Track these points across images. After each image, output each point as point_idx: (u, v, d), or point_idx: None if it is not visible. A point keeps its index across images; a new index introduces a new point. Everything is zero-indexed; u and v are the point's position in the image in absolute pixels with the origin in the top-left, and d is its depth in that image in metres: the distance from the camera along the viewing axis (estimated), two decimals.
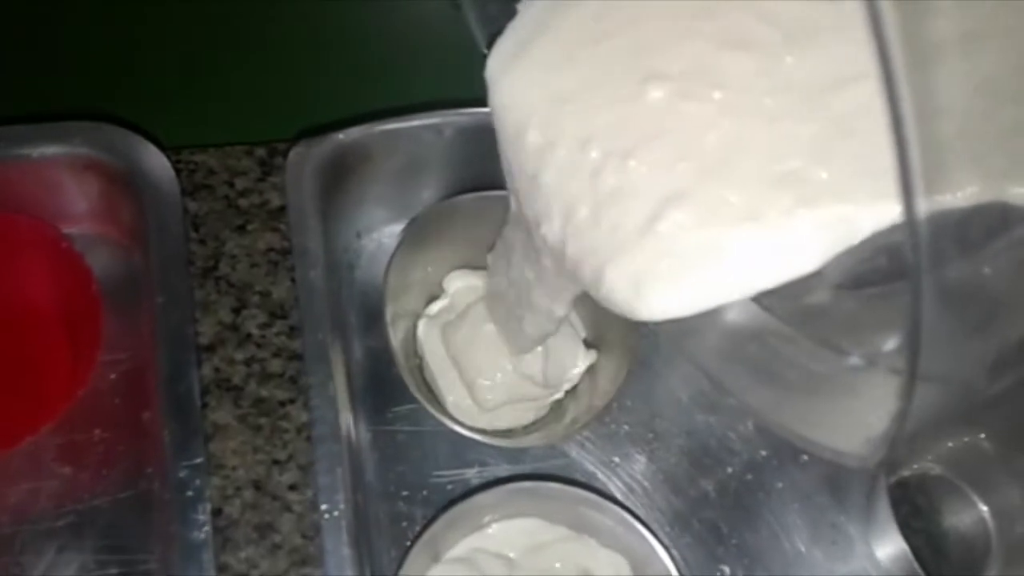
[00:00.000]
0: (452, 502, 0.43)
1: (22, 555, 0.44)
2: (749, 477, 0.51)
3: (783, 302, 0.31)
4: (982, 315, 0.26)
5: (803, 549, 0.49)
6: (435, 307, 0.50)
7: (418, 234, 0.48)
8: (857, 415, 0.29)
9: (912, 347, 0.21)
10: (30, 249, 0.46)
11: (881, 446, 0.26)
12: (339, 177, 0.49)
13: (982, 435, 0.49)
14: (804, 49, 0.31)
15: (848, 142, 0.32)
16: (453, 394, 0.48)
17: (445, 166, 0.51)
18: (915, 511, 0.51)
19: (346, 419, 0.44)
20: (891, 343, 0.28)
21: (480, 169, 0.51)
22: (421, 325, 0.50)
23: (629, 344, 0.47)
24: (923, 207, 0.20)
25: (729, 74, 0.31)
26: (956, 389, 0.25)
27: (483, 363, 0.45)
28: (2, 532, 0.44)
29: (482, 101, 0.50)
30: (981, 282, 0.25)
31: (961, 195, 0.23)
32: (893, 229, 0.29)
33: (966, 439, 0.50)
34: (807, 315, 0.31)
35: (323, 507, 0.41)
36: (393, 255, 0.47)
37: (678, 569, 0.42)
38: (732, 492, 0.50)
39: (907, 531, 0.50)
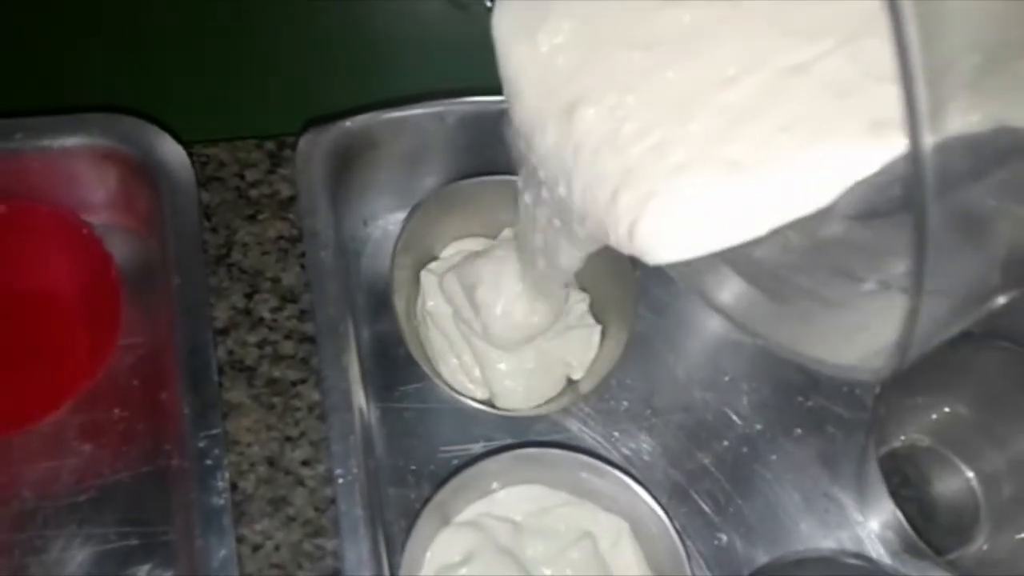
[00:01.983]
0: (459, 468, 0.44)
1: (45, 529, 0.46)
2: (745, 450, 0.53)
3: (797, 236, 0.32)
4: (988, 233, 0.27)
5: (797, 518, 0.51)
6: (435, 264, 0.52)
7: (422, 218, 0.50)
8: (870, 331, 0.30)
9: (919, 258, 0.22)
10: (52, 235, 0.48)
11: (893, 357, 0.27)
12: (346, 164, 0.51)
13: (962, 405, 0.51)
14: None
15: (856, 81, 0.33)
16: (451, 358, 0.49)
17: (448, 153, 0.53)
18: (905, 481, 0.53)
19: (357, 390, 0.45)
20: (904, 266, 0.29)
21: (481, 155, 0.54)
22: (423, 276, 0.52)
23: (627, 318, 0.49)
24: (928, 135, 0.22)
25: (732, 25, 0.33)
26: (966, 301, 0.26)
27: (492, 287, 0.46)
28: (25, 507, 0.46)
29: (482, 90, 0.53)
30: (988, 203, 0.27)
31: (967, 121, 0.24)
32: (901, 161, 0.30)
33: (947, 409, 0.51)
34: (821, 247, 0.32)
35: (337, 471, 0.43)
36: (398, 238, 0.49)
37: (677, 532, 0.44)
38: (729, 464, 0.52)
39: (898, 500, 0.51)
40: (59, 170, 0.49)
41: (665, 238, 0.30)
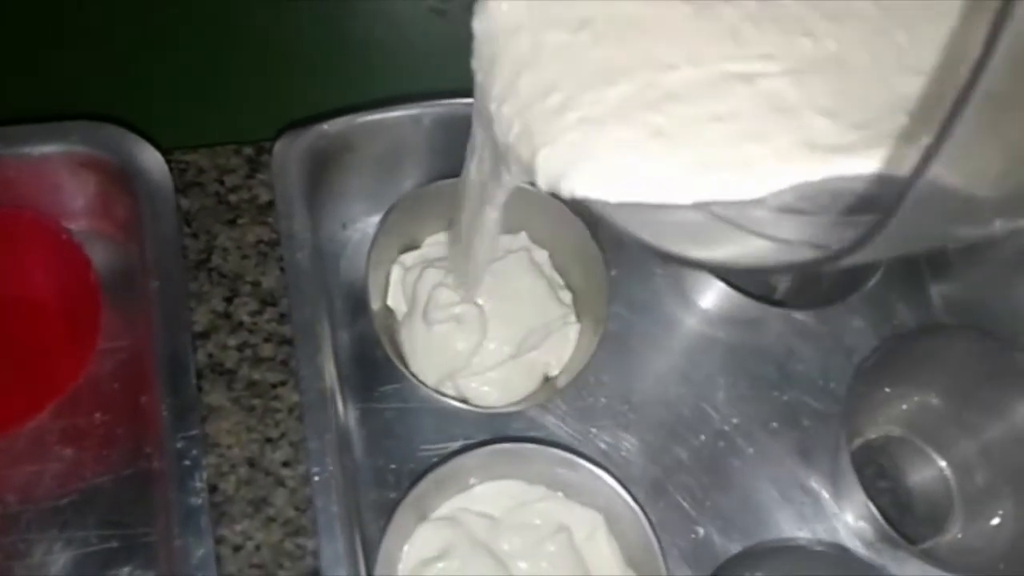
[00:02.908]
0: (436, 464, 0.45)
1: (28, 533, 0.46)
2: (721, 444, 0.53)
3: (722, 209, 0.34)
4: None
5: (774, 510, 0.52)
6: (409, 257, 0.53)
7: (398, 218, 0.51)
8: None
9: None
10: (31, 241, 0.48)
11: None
12: (323, 167, 0.52)
13: (934, 395, 0.52)
14: None
15: (796, 105, 0.36)
16: (416, 345, 0.50)
17: (425, 155, 0.54)
18: (880, 472, 0.54)
19: (333, 388, 0.46)
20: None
21: (458, 157, 0.54)
22: (393, 270, 0.52)
23: (600, 314, 0.50)
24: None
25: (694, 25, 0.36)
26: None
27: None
28: (8, 511, 0.46)
29: (458, 92, 0.54)
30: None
31: None
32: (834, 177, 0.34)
33: (919, 399, 0.52)
34: (746, 219, 0.34)
35: (314, 469, 0.44)
36: (374, 239, 0.50)
37: (649, 523, 0.45)
38: (705, 459, 0.53)
39: (873, 491, 0.52)
40: (39, 177, 0.49)
41: (569, 172, 0.33)
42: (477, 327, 0.48)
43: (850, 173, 0.34)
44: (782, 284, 0.58)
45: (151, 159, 0.50)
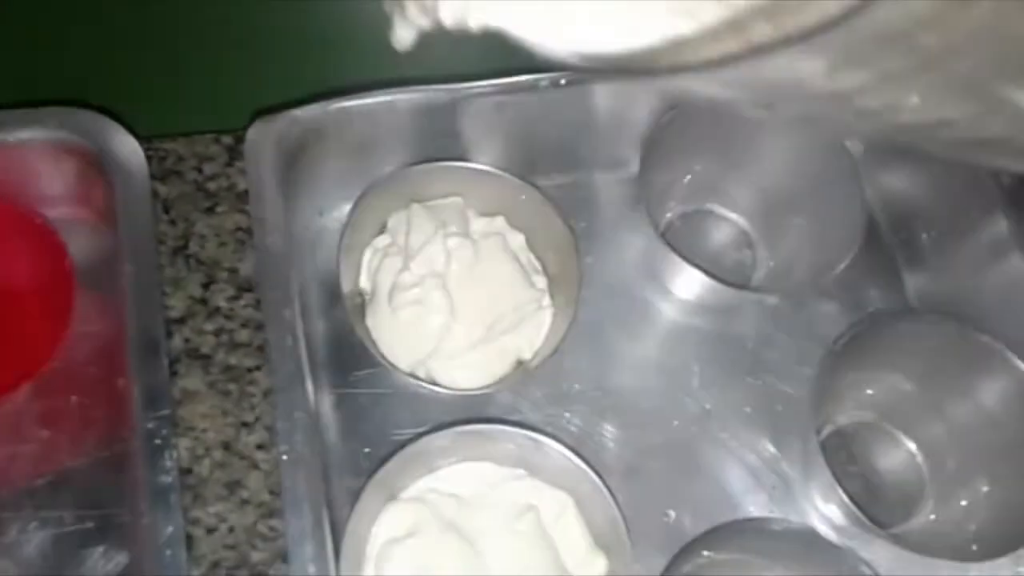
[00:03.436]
0: (405, 443, 0.45)
1: (2, 513, 0.47)
2: (694, 429, 0.54)
3: None
4: None
5: (746, 495, 0.52)
6: (381, 240, 0.53)
7: (370, 203, 0.51)
8: None
9: None
10: (6, 226, 0.49)
11: None
12: (298, 154, 0.52)
13: (903, 379, 0.52)
14: None
15: None
16: (383, 330, 0.50)
17: (400, 141, 0.54)
18: (851, 457, 0.54)
19: (303, 370, 0.46)
20: None
21: (433, 143, 0.55)
22: (366, 254, 0.53)
23: (572, 297, 0.50)
24: None
25: None
26: None
27: None
28: None
29: (431, 79, 0.54)
30: None
31: None
32: None
33: (888, 383, 0.52)
34: None
35: (282, 448, 0.44)
36: (346, 223, 0.50)
37: (617, 505, 0.45)
38: (678, 444, 0.53)
39: (844, 476, 0.53)
40: (15, 163, 0.50)
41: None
42: (444, 310, 0.49)
43: None
44: (757, 272, 0.58)
45: (127, 145, 0.51)
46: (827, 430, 0.53)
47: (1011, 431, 0.48)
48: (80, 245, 0.51)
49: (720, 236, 0.59)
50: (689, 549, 0.44)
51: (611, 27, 0.31)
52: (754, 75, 0.30)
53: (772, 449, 0.53)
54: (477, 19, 0.31)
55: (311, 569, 0.41)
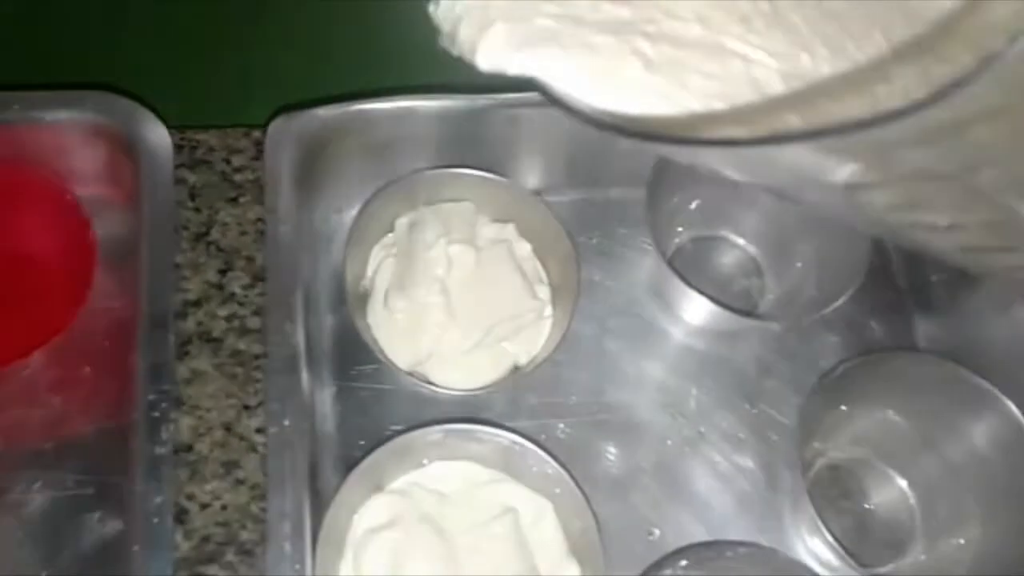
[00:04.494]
0: (393, 436, 0.46)
1: (8, 471, 0.49)
2: (687, 451, 0.54)
3: None
4: None
5: (733, 521, 0.52)
6: (389, 239, 0.55)
7: (381, 202, 0.53)
8: None
9: None
10: (38, 199, 0.51)
11: None
12: (318, 151, 0.54)
13: (893, 415, 0.52)
14: None
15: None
16: (380, 330, 0.52)
17: (418, 147, 0.56)
18: (844, 492, 0.54)
19: (300, 355, 0.48)
20: None
21: (449, 151, 0.56)
22: (373, 252, 0.54)
23: (569, 307, 0.51)
24: None
25: None
26: None
27: None
28: None
29: (452, 88, 0.56)
30: None
31: None
32: None
33: (877, 419, 0.52)
34: None
35: (271, 430, 0.45)
36: (355, 221, 0.52)
37: (594, 516, 0.45)
38: (669, 464, 0.54)
39: (835, 512, 0.53)
40: (52, 140, 0.52)
41: (530, 50, 0.32)
42: (441, 313, 0.50)
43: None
44: (765, 299, 0.59)
45: (156, 132, 0.53)
46: (820, 463, 0.53)
47: (1004, 474, 0.48)
48: (105, 223, 0.53)
49: (729, 262, 0.60)
50: (661, 563, 0.45)
51: (646, 94, 0.33)
52: (768, 161, 0.32)
53: (763, 477, 0.53)
54: (515, 68, 0.33)
55: (287, 547, 0.42)
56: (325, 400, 0.53)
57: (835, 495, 0.54)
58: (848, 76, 0.38)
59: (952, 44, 0.36)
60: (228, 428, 0.51)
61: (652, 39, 0.34)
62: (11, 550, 0.47)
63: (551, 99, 0.33)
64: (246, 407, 0.52)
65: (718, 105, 0.34)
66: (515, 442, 0.46)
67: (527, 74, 0.33)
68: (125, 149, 0.53)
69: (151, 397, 0.46)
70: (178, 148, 0.57)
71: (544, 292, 0.53)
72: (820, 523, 0.47)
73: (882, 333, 0.57)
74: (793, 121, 0.34)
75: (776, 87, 0.36)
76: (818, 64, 0.38)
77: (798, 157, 0.31)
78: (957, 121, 0.28)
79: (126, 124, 0.52)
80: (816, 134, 0.28)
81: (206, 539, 0.48)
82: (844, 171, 0.31)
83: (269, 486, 0.45)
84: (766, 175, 0.36)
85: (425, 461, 0.47)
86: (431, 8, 0.34)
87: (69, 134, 0.53)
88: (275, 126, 0.53)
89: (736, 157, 0.33)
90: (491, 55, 0.33)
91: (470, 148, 0.56)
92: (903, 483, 0.53)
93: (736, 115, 0.35)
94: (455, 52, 0.33)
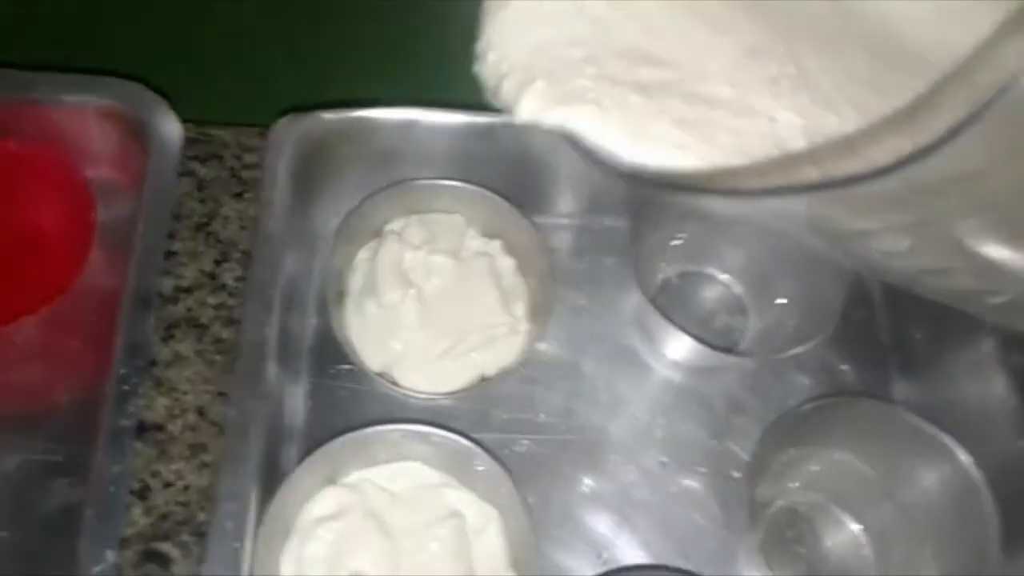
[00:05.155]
0: (349, 431, 0.48)
1: None
2: (646, 480, 0.54)
3: None
4: None
5: (685, 553, 0.52)
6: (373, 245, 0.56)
7: (369, 208, 0.55)
8: None
9: None
10: (48, 174, 0.54)
11: None
12: (320, 153, 0.56)
13: (851, 457, 0.52)
14: None
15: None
16: (353, 331, 0.53)
17: (418, 157, 0.57)
18: (798, 536, 0.53)
19: (270, 342, 0.49)
20: None
21: (449, 163, 0.58)
22: (359, 256, 0.56)
23: (543, 321, 0.52)
24: None
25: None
26: None
27: None
28: None
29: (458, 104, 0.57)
30: None
31: None
32: None
33: (828, 463, 0.52)
34: None
35: (231, 413, 0.47)
36: (342, 223, 0.53)
37: (534, 533, 0.46)
38: (628, 491, 0.54)
39: (791, 557, 0.52)
40: (69, 121, 0.55)
41: (569, 106, 0.34)
42: (413, 318, 0.51)
43: None
44: (746, 336, 0.59)
45: (169, 123, 0.55)
46: (777, 504, 0.53)
47: (957, 524, 0.48)
48: (110, 205, 0.55)
49: (712, 298, 0.60)
50: None
51: (672, 147, 0.35)
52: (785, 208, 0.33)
53: (719, 513, 0.53)
54: (552, 120, 0.34)
55: (228, 524, 0.43)
56: (297, 394, 0.54)
57: (789, 537, 0.53)
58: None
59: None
60: (201, 412, 0.53)
61: (684, 99, 0.36)
62: None
63: (581, 152, 0.35)
64: (220, 394, 0.53)
65: (740, 160, 0.36)
66: (468, 448, 0.47)
67: (562, 126, 0.34)
68: (137, 136, 0.55)
69: (123, 371, 0.47)
70: (193, 141, 0.59)
71: (520, 308, 0.54)
72: (766, 566, 0.47)
73: (857, 381, 0.57)
74: (811, 173, 0.36)
75: (799, 144, 0.37)
76: (844, 124, 0.39)
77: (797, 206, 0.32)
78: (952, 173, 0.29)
79: (141, 112, 0.55)
80: (822, 186, 0.30)
81: (164, 516, 0.50)
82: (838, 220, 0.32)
83: (221, 464, 0.46)
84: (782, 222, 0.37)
85: (379, 459, 0.48)
86: (476, 67, 0.37)
87: (87, 117, 0.55)
88: (279, 125, 0.55)
89: (745, 206, 0.34)
90: (530, 108, 0.35)
91: (469, 163, 0.57)
92: (857, 528, 0.52)
93: (757, 168, 0.36)
94: (496, 104, 0.36)
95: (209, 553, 0.44)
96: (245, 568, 0.43)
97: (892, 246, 0.34)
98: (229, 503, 0.44)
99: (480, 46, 0.37)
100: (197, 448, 0.52)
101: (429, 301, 0.52)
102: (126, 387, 0.47)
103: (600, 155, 0.35)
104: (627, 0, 0.39)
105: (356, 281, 0.55)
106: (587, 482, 0.54)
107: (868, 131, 0.38)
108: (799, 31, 0.42)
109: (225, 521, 0.44)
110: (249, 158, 0.61)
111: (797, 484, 0.53)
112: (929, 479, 0.48)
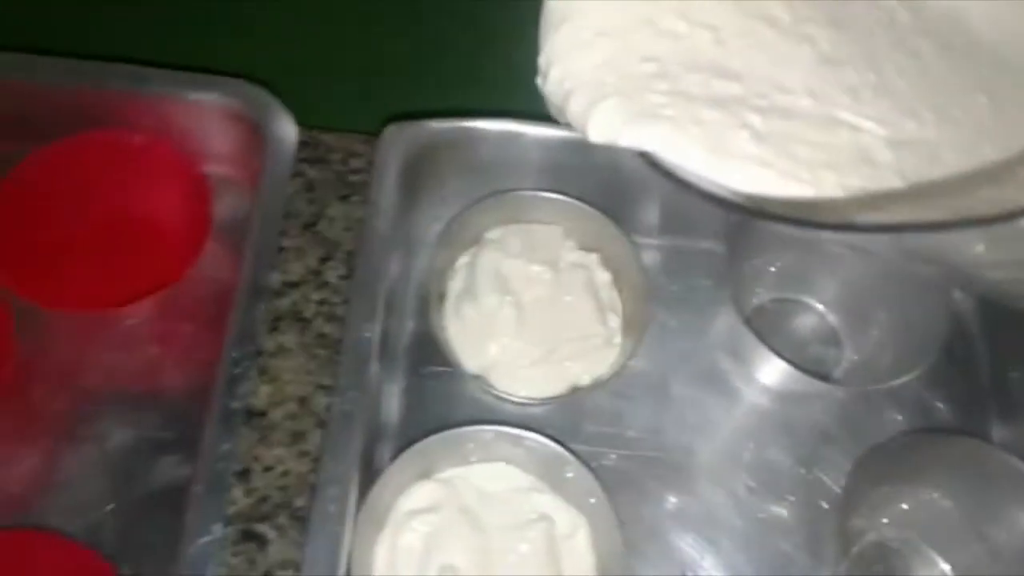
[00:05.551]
0: (445, 429, 0.49)
1: (99, 407, 0.53)
2: (732, 505, 0.54)
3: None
4: None
5: None
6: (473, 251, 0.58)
7: (472, 215, 0.56)
8: None
9: None
10: (169, 167, 0.57)
11: None
12: (424, 161, 0.58)
13: (940, 496, 0.51)
14: None
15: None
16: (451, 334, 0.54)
17: (522, 169, 0.59)
18: (888, 573, 0.53)
19: (374, 339, 0.51)
20: None
21: (552, 177, 0.59)
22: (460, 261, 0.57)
23: (636, 339, 0.53)
24: None
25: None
26: None
27: None
28: (90, 386, 0.54)
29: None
30: None
31: None
32: None
33: (919, 500, 0.51)
34: None
35: (337, 400, 0.48)
36: (445, 228, 0.55)
37: (622, 541, 0.47)
38: (713, 513, 0.54)
39: None
40: (191, 118, 0.58)
41: (641, 124, 0.33)
42: (510, 325, 0.52)
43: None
44: (840, 366, 0.59)
45: (286, 126, 0.58)
46: (866, 539, 0.53)
47: None
48: (224, 200, 0.58)
49: (806, 326, 0.60)
50: None
51: (755, 166, 0.34)
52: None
53: (805, 542, 0.53)
54: (626, 140, 0.34)
55: (330, 508, 0.45)
56: (393, 391, 0.56)
57: (878, 572, 0.53)
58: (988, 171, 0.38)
59: None
60: (302, 402, 0.55)
61: (762, 112, 0.35)
62: (88, 479, 0.52)
63: (661, 172, 0.34)
64: (321, 386, 0.55)
65: (826, 175, 0.35)
66: (560, 454, 0.48)
67: (638, 146, 0.33)
68: (255, 136, 0.58)
69: (235, 355, 0.49)
70: (303, 144, 0.61)
71: (615, 321, 0.55)
72: None
73: (952, 420, 0.56)
74: (900, 212, 0.34)
75: (883, 154, 0.37)
76: (924, 128, 0.39)
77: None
78: None
79: (260, 114, 0.57)
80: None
81: (264, 499, 0.51)
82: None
83: (324, 452, 0.48)
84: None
85: (473, 458, 0.49)
86: (538, 81, 0.35)
87: (208, 114, 0.58)
88: (388, 132, 0.57)
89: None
90: (603, 128, 0.34)
91: (569, 177, 0.59)
92: (947, 567, 0.51)
93: (877, 201, 0.35)
94: (563, 122, 0.34)
95: (311, 535, 0.45)
96: (344, 552, 0.45)
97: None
98: (331, 488, 0.46)
99: (541, 60, 0.36)
100: (297, 436, 0.54)
101: (526, 308, 0.53)
102: (237, 371, 0.49)
103: (683, 176, 0.33)
104: (697, 10, 0.37)
105: (455, 285, 0.56)
106: (673, 500, 0.54)
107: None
108: (875, 36, 0.40)
109: (327, 505, 0.45)
110: (355, 163, 0.63)
111: (887, 520, 0.52)
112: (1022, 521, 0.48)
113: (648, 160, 0.34)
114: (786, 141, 0.35)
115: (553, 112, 0.35)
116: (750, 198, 0.34)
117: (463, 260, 0.57)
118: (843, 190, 0.35)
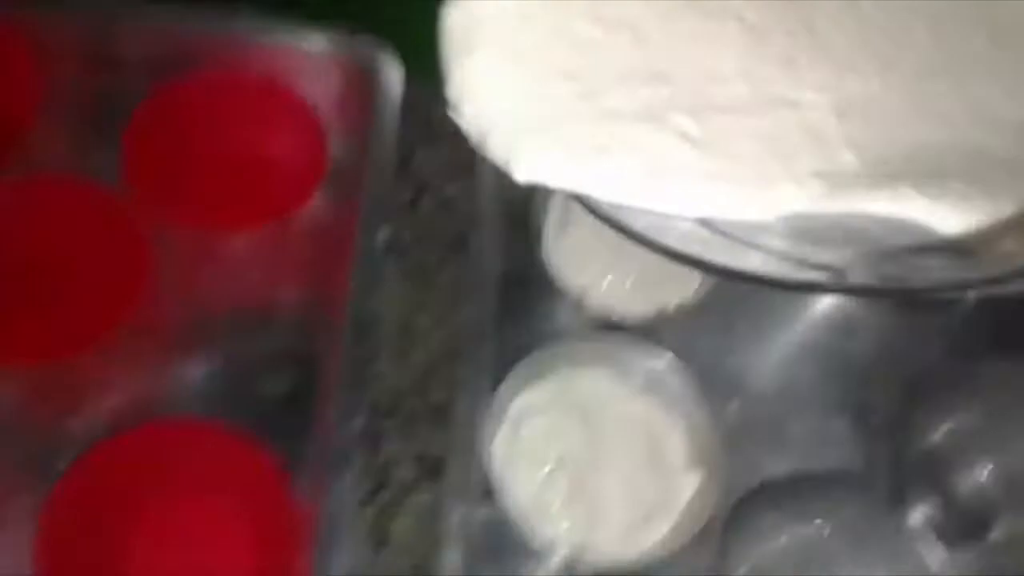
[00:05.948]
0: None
1: (217, 318, 0.56)
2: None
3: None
4: None
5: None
6: None
7: None
8: None
9: None
10: (287, 112, 0.61)
11: None
12: None
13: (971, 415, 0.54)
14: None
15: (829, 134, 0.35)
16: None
17: None
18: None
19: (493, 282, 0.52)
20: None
21: None
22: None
23: None
24: None
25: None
26: None
27: None
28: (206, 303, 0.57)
29: None
30: None
31: None
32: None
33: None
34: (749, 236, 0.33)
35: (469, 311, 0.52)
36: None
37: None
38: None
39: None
40: (307, 68, 0.61)
41: (570, 162, 0.31)
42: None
43: (859, 211, 0.33)
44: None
45: (392, 73, 0.60)
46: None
47: None
48: (340, 146, 0.61)
49: None
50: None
51: (702, 185, 0.32)
52: None
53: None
54: (557, 181, 0.32)
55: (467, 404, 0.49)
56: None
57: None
58: None
59: None
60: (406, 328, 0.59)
61: (696, 113, 0.33)
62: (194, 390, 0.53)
63: (602, 218, 0.31)
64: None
65: (773, 165, 0.33)
66: (670, 365, 0.52)
67: (570, 189, 0.31)
68: (364, 85, 0.60)
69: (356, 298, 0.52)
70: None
71: None
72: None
73: None
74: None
75: (829, 125, 0.35)
76: (868, 83, 0.36)
77: None
78: None
79: (369, 62, 0.60)
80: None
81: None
82: None
83: (462, 355, 0.51)
84: None
85: (583, 363, 0.53)
86: (450, 112, 0.33)
87: (320, 62, 0.61)
88: None
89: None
90: (527, 168, 0.31)
91: None
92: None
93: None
94: (488, 158, 0.32)
95: (455, 428, 0.48)
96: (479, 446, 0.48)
97: None
98: (468, 396, 0.49)
99: (451, 93, 0.32)
100: (404, 352, 0.57)
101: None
102: (365, 316, 0.52)
103: (621, 223, 0.30)
104: (610, 7, 0.34)
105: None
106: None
107: None
108: None
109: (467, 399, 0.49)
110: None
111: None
112: None
113: (586, 205, 0.31)
114: (726, 139, 0.33)
115: (476, 148, 0.33)
116: (704, 222, 0.32)
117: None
118: (794, 181, 0.33)
